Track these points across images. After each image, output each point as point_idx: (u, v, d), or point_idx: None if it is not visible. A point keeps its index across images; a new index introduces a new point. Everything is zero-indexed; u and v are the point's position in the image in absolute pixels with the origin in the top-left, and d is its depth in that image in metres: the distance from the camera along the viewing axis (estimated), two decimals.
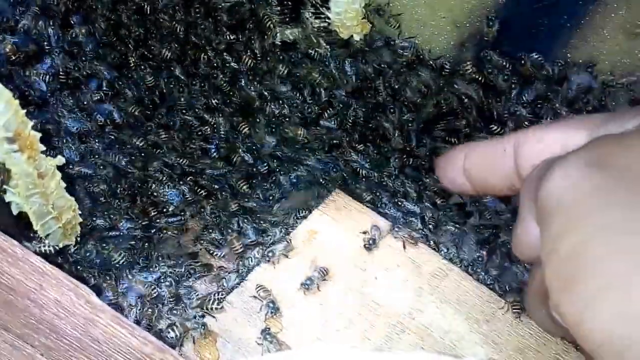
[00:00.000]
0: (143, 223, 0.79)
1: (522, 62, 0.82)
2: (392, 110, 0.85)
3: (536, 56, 0.81)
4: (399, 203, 0.81)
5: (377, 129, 0.87)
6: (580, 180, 0.38)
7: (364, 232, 0.79)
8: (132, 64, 0.89)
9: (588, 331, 0.36)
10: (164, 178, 0.82)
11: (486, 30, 0.82)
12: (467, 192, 0.74)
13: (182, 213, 0.81)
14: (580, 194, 0.37)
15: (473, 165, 0.66)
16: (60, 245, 0.71)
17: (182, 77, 0.89)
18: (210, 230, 0.79)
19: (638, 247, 0.34)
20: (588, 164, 0.38)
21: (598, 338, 0.35)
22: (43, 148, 0.64)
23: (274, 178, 0.84)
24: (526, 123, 0.81)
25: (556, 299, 0.39)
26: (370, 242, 0.77)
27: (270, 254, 0.76)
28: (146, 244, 0.78)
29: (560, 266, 0.38)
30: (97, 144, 0.84)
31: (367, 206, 0.82)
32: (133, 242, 0.77)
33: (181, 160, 0.84)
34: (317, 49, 0.87)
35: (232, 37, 0.89)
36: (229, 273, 0.77)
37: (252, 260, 0.77)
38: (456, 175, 0.70)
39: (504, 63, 0.83)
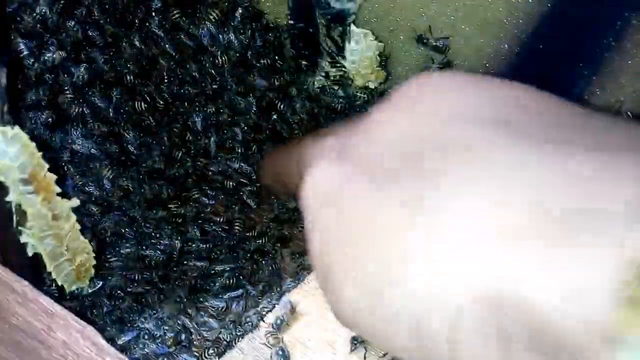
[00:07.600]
0: None
1: None
2: None
3: None
4: None
5: None
6: (330, 176, 0.37)
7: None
8: None
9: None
10: None
11: None
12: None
13: None
14: (327, 190, 0.37)
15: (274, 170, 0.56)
16: (73, 288, 0.71)
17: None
18: None
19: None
20: (335, 158, 0.37)
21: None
22: (59, 190, 0.65)
23: None
24: None
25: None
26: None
27: None
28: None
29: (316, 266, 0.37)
30: None
31: None
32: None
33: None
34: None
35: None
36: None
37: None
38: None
39: None
